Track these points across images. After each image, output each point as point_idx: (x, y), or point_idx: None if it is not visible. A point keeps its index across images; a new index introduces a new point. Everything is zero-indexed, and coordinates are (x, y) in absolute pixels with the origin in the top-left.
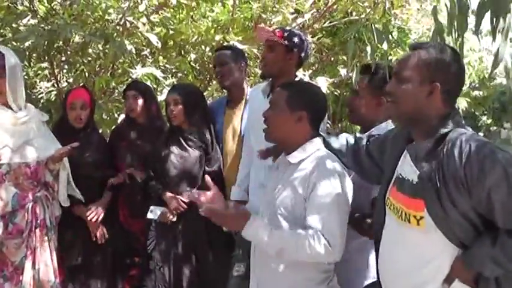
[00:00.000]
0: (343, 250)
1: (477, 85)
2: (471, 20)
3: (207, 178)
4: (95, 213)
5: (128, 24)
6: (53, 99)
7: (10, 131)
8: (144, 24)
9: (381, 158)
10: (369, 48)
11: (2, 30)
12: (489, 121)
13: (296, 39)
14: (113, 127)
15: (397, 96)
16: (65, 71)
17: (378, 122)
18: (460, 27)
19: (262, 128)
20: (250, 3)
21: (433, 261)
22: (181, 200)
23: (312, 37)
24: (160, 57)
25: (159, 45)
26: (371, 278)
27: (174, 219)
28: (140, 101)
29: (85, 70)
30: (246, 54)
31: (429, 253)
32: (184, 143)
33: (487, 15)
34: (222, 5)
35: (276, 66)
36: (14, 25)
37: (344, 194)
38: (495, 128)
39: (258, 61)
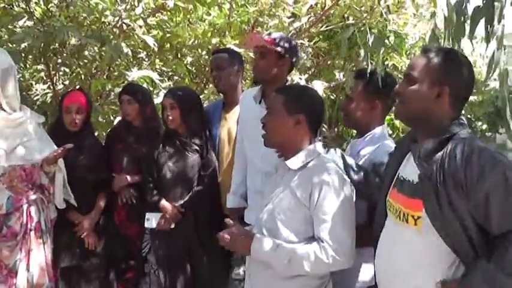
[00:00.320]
0: (354, 255)
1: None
2: (466, 25)
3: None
4: (82, 231)
5: (125, 27)
6: (48, 102)
7: (4, 133)
8: (140, 26)
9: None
10: (363, 54)
11: None
12: (484, 126)
13: (287, 45)
14: (109, 129)
15: (406, 97)
16: (61, 73)
17: (372, 126)
18: (457, 33)
19: (256, 134)
20: (247, 6)
21: (428, 263)
22: (178, 207)
23: (308, 41)
24: (157, 60)
25: (156, 47)
26: (367, 282)
27: (172, 226)
28: (135, 105)
29: (81, 72)
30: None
31: (425, 254)
32: (180, 146)
33: (482, 21)
34: (218, 9)
35: (268, 72)
36: (10, 26)
37: (348, 200)
38: (490, 133)
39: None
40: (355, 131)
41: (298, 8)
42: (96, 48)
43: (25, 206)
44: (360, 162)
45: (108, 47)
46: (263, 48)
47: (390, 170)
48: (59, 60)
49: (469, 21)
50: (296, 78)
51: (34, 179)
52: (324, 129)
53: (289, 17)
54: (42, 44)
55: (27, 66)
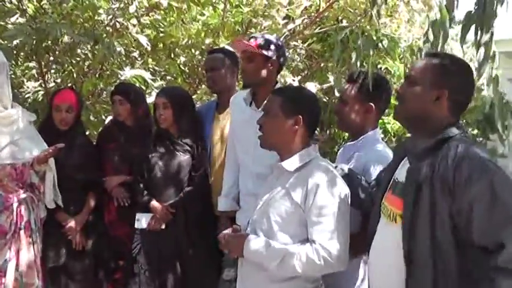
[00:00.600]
0: (347, 259)
1: None
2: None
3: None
4: (69, 232)
5: (118, 26)
6: (40, 99)
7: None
8: (134, 25)
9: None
10: (354, 57)
11: None
12: (475, 132)
13: (273, 46)
14: (101, 129)
15: (405, 97)
16: (52, 71)
17: (366, 130)
18: (442, 37)
19: (247, 136)
20: (241, 7)
21: None
22: (168, 207)
23: (302, 43)
24: (150, 60)
25: (149, 47)
26: (363, 285)
27: (163, 227)
28: (127, 106)
29: (73, 71)
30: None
31: None
32: (171, 146)
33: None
34: (212, 9)
35: (257, 75)
36: (1, 23)
37: (343, 203)
38: (481, 139)
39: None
40: (347, 134)
41: (292, 9)
42: (88, 46)
43: (15, 205)
44: (351, 166)
45: (101, 46)
46: (249, 52)
47: (387, 174)
48: (51, 58)
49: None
50: (289, 80)
51: (24, 178)
52: (315, 131)
53: (283, 19)
54: (34, 41)
55: (19, 63)
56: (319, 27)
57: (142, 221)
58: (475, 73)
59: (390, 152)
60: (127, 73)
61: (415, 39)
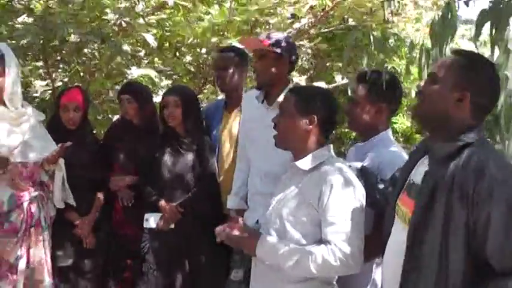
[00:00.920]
0: (362, 261)
1: None
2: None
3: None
4: (81, 232)
5: (124, 25)
6: (47, 99)
7: (7, 130)
8: (140, 25)
9: None
10: (365, 57)
11: None
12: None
13: (284, 44)
14: (107, 128)
15: (425, 95)
16: (60, 70)
17: (378, 130)
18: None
19: (258, 134)
20: (247, 5)
21: None
22: (177, 207)
23: (308, 42)
24: (156, 59)
25: (155, 46)
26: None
27: (172, 226)
28: (134, 105)
29: (80, 70)
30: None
31: None
32: (178, 146)
33: (487, 25)
34: (219, 7)
35: (269, 74)
36: (9, 23)
37: (358, 203)
38: (488, 139)
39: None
40: (354, 134)
41: (298, 8)
42: (95, 45)
43: (26, 203)
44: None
45: (108, 45)
46: (260, 50)
47: (402, 174)
48: (58, 57)
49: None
50: (296, 79)
51: (35, 176)
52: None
53: (289, 18)
54: (41, 41)
55: (26, 62)
56: (325, 27)
57: (150, 221)
58: None
59: (404, 154)
60: (134, 72)
61: (422, 38)
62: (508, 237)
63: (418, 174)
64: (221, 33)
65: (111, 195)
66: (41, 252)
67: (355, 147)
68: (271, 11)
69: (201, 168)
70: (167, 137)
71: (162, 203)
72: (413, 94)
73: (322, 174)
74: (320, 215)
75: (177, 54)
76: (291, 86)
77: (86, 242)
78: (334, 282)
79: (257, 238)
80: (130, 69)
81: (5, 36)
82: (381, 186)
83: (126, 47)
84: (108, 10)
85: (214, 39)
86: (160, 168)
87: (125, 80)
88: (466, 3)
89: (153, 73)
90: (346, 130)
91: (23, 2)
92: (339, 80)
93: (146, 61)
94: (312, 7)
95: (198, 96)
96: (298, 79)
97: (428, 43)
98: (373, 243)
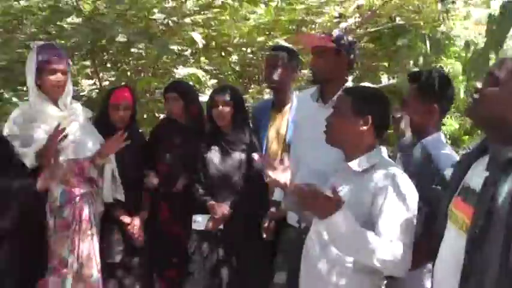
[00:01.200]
0: (409, 265)
1: None
2: None
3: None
4: (133, 230)
5: (171, 24)
6: (94, 97)
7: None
8: (188, 24)
9: None
10: (421, 58)
11: (47, 28)
12: None
13: (343, 41)
14: (153, 127)
15: (484, 96)
16: (106, 70)
17: (429, 131)
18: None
19: (311, 132)
20: (293, 4)
21: None
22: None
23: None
24: (202, 58)
25: (202, 45)
26: None
27: (221, 227)
28: (180, 103)
29: (127, 69)
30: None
31: None
32: (226, 145)
33: None
34: (265, 6)
35: (327, 71)
36: (58, 23)
37: (412, 208)
38: None
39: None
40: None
41: (345, 8)
42: (142, 45)
43: (77, 199)
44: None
45: (155, 44)
46: (320, 47)
47: (455, 178)
48: (105, 57)
49: None
50: None
51: (85, 173)
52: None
53: (335, 18)
54: (90, 41)
55: (74, 62)
56: (372, 26)
57: (199, 222)
58: None
59: (457, 156)
60: (181, 71)
61: (474, 36)
62: None
63: (474, 178)
64: (267, 32)
65: (157, 195)
66: (90, 248)
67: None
68: (318, 10)
69: (248, 168)
70: (214, 136)
71: (212, 203)
72: (461, 94)
73: (376, 176)
74: (372, 217)
75: (223, 53)
76: (347, 85)
77: (136, 240)
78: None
79: (338, 207)
80: (177, 68)
81: (54, 36)
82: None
83: (173, 47)
84: (155, 10)
85: (260, 39)
86: (208, 167)
87: (171, 79)
88: None
89: (200, 72)
90: (392, 131)
91: (71, 3)
92: (385, 80)
93: (192, 60)
94: (359, 6)
95: (244, 96)
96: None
97: (481, 42)
98: (423, 248)
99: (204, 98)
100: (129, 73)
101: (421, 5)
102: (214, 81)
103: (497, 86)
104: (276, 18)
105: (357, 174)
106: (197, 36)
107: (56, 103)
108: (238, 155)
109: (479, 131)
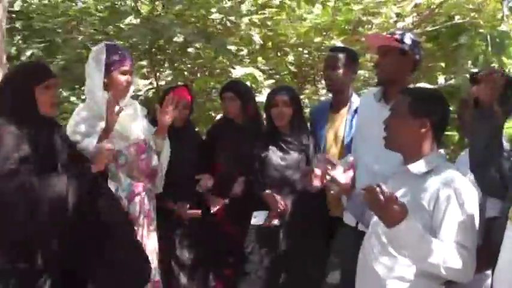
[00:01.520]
0: (473, 272)
1: None
2: None
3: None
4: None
5: (229, 24)
6: (150, 97)
7: (124, 126)
8: (245, 24)
9: None
10: (480, 57)
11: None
12: None
13: (409, 41)
14: (210, 126)
15: None
16: (162, 69)
17: None
18: None
19: (372, 132)
20: (350, 5)
21: None
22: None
23: None
24: (259, 58)
25: (260, 45)
26: None
27: (278, 223)
28: (237, 103)
29: (184, 69)
30: None
31: None
32: (284, 145)
33: None
34: (322, 7)
35: (392, 71)
36: (116, 24)
37: (474, 212)
38: None
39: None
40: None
41: (403, 7)
42: (199, 45)
43: (143, 194)
44: None
45: (213, 44)
46: (384, 47)
47: None
48: (160, 57)
49: None
50: None
51: (148, 168)
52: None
53: (393, 17)
54: (147, 41)
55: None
56: (430, 25)
57: (258, 217)
58: None
59: None
60: (238, 71)
61: None
62: None
63: None
64: (324, 33)
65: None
66: (151, 242)
67: (465, 152)
68: (375, 10)
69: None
70: (272, 136)
71: (266, 192)
72: None
73: (437, 180)
74: (434, 221)
75: (279, 53)
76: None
77: (185, 220)
78: None
79: (406, 213)
80: (234, 68)
81: (112, 36)
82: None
83: (230, 46)
84: (213, 9)
85: (317, 39)
86: (266, 167)
87: (228, 79)
88: None
89: (257, 72)
90: (449, 133)
91: (130, 4)
92: (442, 81)
93: (248, 60)
94: (416, 5)
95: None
96: None
97: None
98: (484, 252)
99: (260, 98)
100: (185, 73)
101: (481, 3)
102: (270, 81)
103: None
104: (333, 19)
105: (416, 177)
106: (256, 37)
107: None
108: (297, 155)
109: None
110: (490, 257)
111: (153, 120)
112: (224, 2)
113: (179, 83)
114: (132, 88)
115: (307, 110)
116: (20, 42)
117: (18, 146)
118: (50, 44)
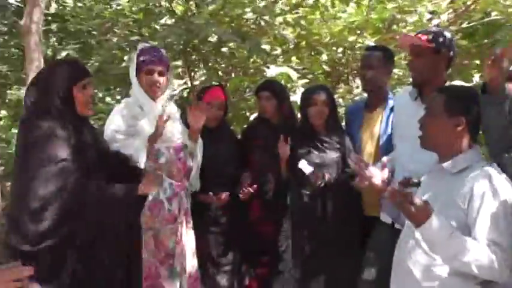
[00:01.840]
0: (508, 272)
1: None
2: None
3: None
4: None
5: (263, 23)
6: (184, 97)
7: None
8: (280, 23)
9: None
10: None
11: (140, 30)
12: None
13: (442, 39)
14: (245, 126)
15: None
16: (196, 69)
17: None
18: None
19: (408, 131)
20: (384, 3)
21: None
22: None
23: None
24: (293, 58)
25: (293, 44)
26: None
27: (322, 184)
28: (273, 102)
29: (218, 68)
30: None
31: None
32: (319, 144)
33: None
34: (356, 6)
35: (426, 71)
36: (151, 25)
37: (509, 212)
38: None
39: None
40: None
41: (438, 4)
42: (233, 44)
43: (182, 193)
44: None
45: (247, 44)
46: (417, 47)
47: None
48: (194, 57)
49: None
50: None
51: (186, 168)
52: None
53: (427, 15)
54: (182, 41)
55: None
56: (466, 22)
57: (306, 166)
58: None
59: None
60: (272, 71)
61: None
62: None
63: None
64: (358, 32)
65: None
66: (190, 240)
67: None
68: (410, 9)
69: (343, 166)
70: (307, 135)
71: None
72: None
73: (473, 178)
74: (468, 219)
75: (313, 53)
76: (447, 84)
77: (222, 206)
78: None
79: (431, 212)
80: (268, 67)
81: (147, 38)
82: None
83: (264, 46)
84: (247, 9)
85: (351, 38)
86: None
87: (262, 79)
88: None
89: (291, 71)
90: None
91: (164, 5)
92: (477, 79)
93: (282, 59)
94: (452, 2)
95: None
96: None
97: None
98: None
99: (294, 97)
100: (220, 73)
101: None
102: (304, 80)
103: None
104: (367, 17)
105: (451, 175)
106: (289, 35)
107: (154, 101)
108: (334, 154)
109: None
110: None
111: (185, 121)
112: (258, 1)
113: (213, 82)
114: (168, 89)
115: (340, 110)
116: (56, 44)
117: (66, 147)
118: (85, 46)
